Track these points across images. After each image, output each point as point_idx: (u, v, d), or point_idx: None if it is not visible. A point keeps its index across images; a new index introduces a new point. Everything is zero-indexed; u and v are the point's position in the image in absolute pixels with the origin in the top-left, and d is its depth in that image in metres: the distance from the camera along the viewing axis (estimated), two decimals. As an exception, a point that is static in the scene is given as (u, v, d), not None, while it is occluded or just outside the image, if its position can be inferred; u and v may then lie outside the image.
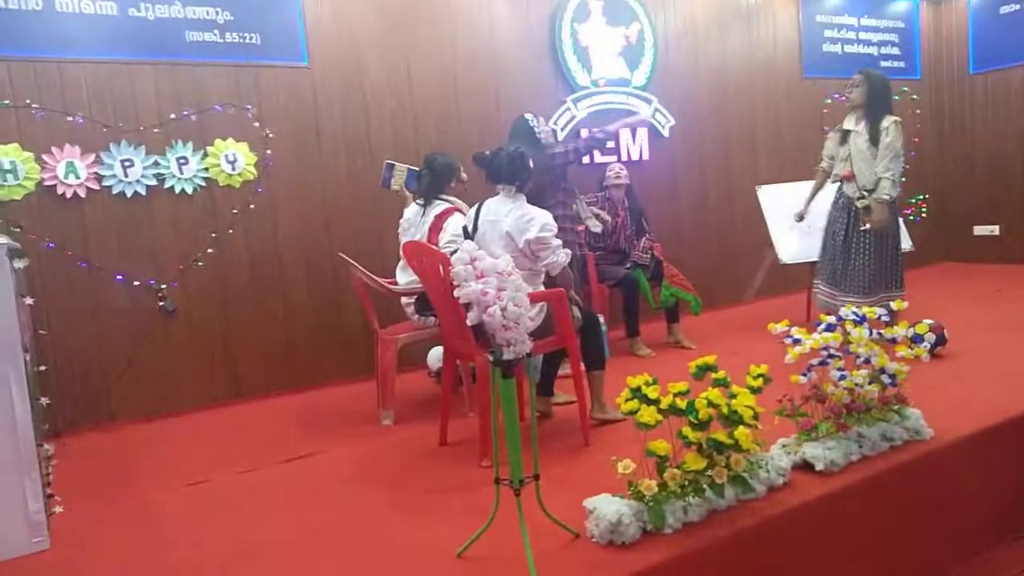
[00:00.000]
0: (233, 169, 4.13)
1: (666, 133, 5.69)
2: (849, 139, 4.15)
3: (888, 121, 4.01)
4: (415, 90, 4.67)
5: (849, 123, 4.19)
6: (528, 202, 3.10)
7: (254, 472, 3.01)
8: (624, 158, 5.45)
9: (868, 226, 4.04)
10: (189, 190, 4.04)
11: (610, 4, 5.39)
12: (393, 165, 3.91)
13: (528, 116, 3.88)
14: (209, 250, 4.13)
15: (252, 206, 4.21)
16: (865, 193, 4.07)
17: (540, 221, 2.94)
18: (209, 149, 4.07)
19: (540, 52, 5.16)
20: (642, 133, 5.57)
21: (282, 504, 2.64)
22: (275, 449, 3.25)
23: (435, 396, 3.75)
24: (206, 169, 4.08)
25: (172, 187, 4.00)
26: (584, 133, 5.32)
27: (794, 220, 4.65)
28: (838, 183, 4.26)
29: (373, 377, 3.85)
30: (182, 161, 4.00)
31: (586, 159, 5.17)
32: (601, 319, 4.05)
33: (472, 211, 3.19)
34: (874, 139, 4.02)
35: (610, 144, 5.18)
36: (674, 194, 5.80)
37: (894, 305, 2.79)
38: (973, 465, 2.67)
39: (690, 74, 5.83)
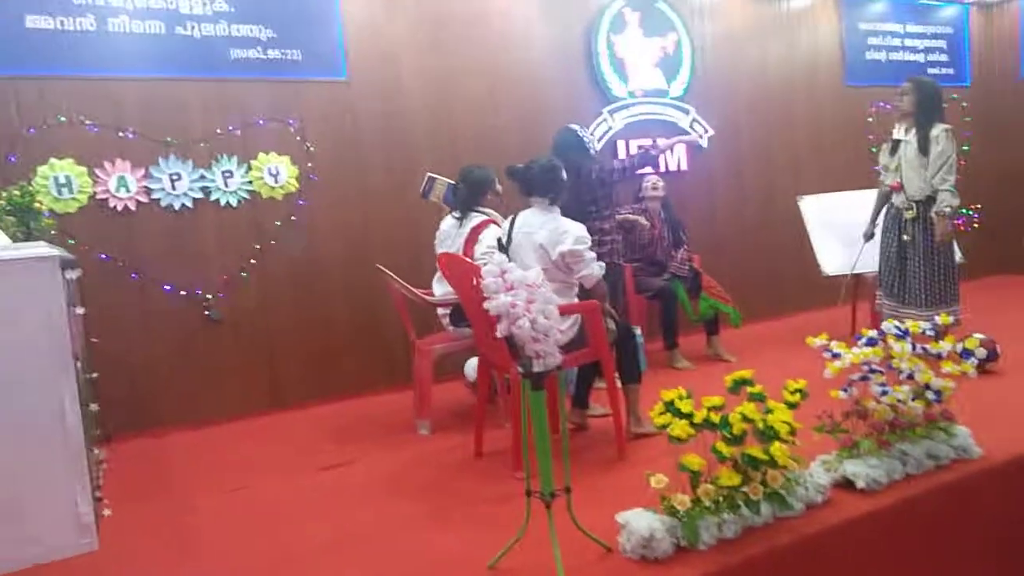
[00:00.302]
0: (276, 182, 4.23)
1: (704, 144, 5.64)
2: (899, 148, 4.05)
3: (938, 129, 3.89)
4: (452, 103, 4.73)
5: (899, 132, 4.09)
6: (579, 214, 3.09)
7: (294, 479, 3.06)
8: (663, 170, 5.42)
9: (907, 238, 3.93)
10: (234, 203, 4.15)
11: (647, 14, 5.38)
12: (435, 179, 3.95)
13: (575, 127, 3.92)
14: (252, 261, 4.22)
15: (293, 218, 4.30)
16: (913, 204, 3.96)
17: (574, 234, 2.94)
18: (253, 163, 4.18)
19: (576, 64, 5.17)
20: (680, 145, 5.53)
21: (318, 511, 2.68)
22: (313, 457, 3.31)
23: (472, 406, 3.76)
24: (250, 182, 4.18)
25: (218, 200, 4.12)
26: (621, 145, 5.32)
27: (849, 236, 4.52)
28: (889, 194, 4.15)
29: (410, 387, 3.89)
30: (227, 174, 4.12)
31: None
32: (637, 331, 4.04)
33: (507, 223, 3.21)
34: (923, 148, 3.90)
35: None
36: (713, 205, 5.74)
37: (939, 319, 2.70)
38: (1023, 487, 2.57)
39: (729, 84, 5.77)
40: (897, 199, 4.05)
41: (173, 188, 4.01)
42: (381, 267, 3.78)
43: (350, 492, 2.86)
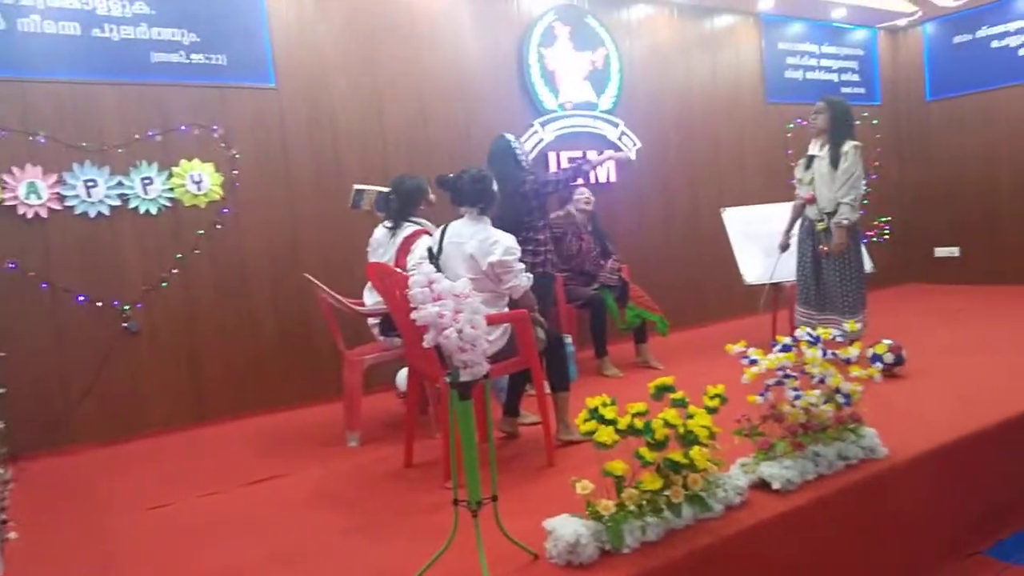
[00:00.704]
0: (199, 190, 4.12)
1: (632, 156, 5.77)
2: (813, 163, 4.26)
3: (848, 146, 4.12)
4: (384, 112, 4.71)
5: (814, 148, 4.31)
6: (513, 225, 3.11)
7: (216, 495, 2.97)
8: (592, 181, 5.52)
9: (825, 249, 4.15)
10: (154, 211, 4.02)
11: (576, 29, 5.49)
12: (363, 190, 3.90)
13: (509, 136, 3.95)
14: (174, 271, 4.09)
15: (218, 227, 4.20)
16: (825, 216, 4.18)
17: (504, 244, 2.97)
18: (174, 170, 4.06)
19: (508, 75, 5.23)
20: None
21: (243, 528, 2.61)
22: (238, 472, 3.22)
23: (403, 417, 3.74)
24: (171, 190, 4.06)
25: (136, 208, 3.98)
26: (552, 156, 5.40)
27: (769, 246, 4.71)
28: (802, 208, 4.36)
29: (340, 398, 3.84)
30: (146, 181, 3.98)
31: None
32: (568, 340, 4.10)
33: (437, 233, 3.21)
34: (835, 163, 4.13)
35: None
36: (641, 216, 5.89)
37: (847, 326, 2.85)
38: (927, 484, 2.73)
39: (656, 98, 5.94)
40: (811, 211, 4.26)
41: (88, 195, 3.85)
42: (310, 276, 3.72)
43: (278, 507, 2.80)
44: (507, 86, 5.23)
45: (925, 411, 3.19)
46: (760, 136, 6.57)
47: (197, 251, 4.14)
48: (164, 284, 4.06)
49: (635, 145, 5.77)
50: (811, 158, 4.30)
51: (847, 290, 4.18)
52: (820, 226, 4.19)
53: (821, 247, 4.20)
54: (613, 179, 5.69)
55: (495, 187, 3.14)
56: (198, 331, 4.17)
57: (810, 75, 6.97)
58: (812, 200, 4.23)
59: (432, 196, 3.72)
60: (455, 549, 2.08)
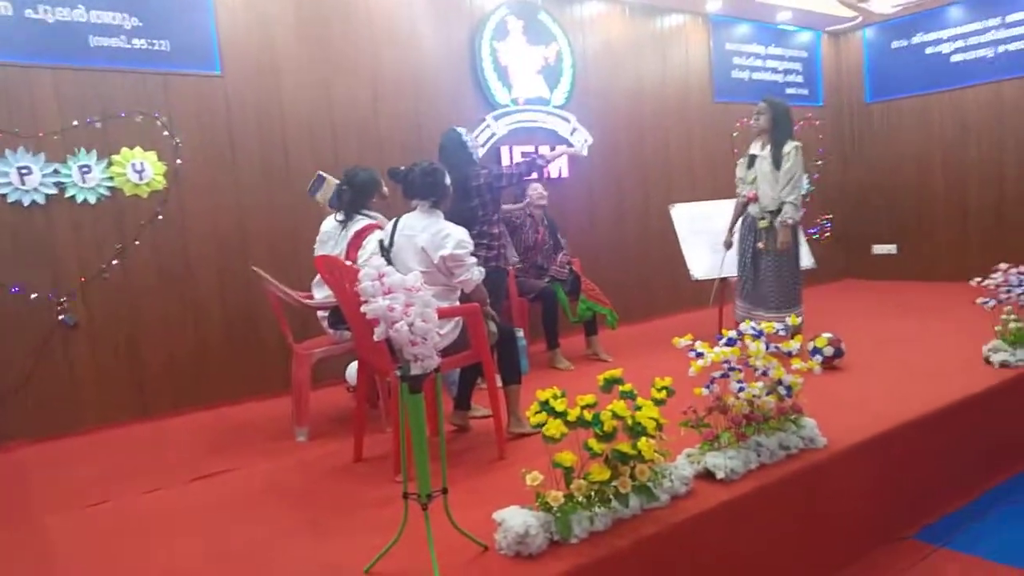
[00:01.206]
0: (140, 179, 4.00)
1: (585, 152, 5.83)
2: (755, 163, 4.38)
3: (790, 147, 4.25)
4: (334, 102, 4.64)
5: (755, 148, 4.43)
6: (466, 218, 3.09)
7: (159, 492, 2.90)
8: (545, 177, 5.54)
9: (761, 246, 4.28)
10: (92, 200, 3.88)
11: (529, 24, 5.51)
12: (325, 178, 3.80)
13: (459, 129, 3.94)
14: (114, 262, 3.96)
15: (161, 217, 4.08)
16: (767, 214, 4.30)
17: (456, 238, 2.96)
18: (114, 158, 3.93)
19: (461, 68, 5.21)
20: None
21: (187, 526, 2.55)
22: (183, 468, 3.15)
23: (353, 412, 3.71)
24: (111, 178, 3.93)
25: (74, 196, 3.83)
26: (504, 150, 5.40)
27: (716, 242, 4.80)
28: (745, 205, 4.47)
29: (288, 393, 3.78)
30: (84, 169, 3.84)
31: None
32: (520, 334, 4.13)
33: (389, 226, 3.19)
34: (777, 163, 4.26)
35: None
36: (592, 211, 5.95)
37: (789, 320, 2.94)
38: (862, 472, 2.84)
39: (608, 95, 6.00)
40: (753, 209, 4.39)
41: (22, 183, 3.70)
42: (257, 269, 3.65)
43: (224, 503, 2.74)
44: (460, 79, 5.21)
45: (862, 402, 3.31)
46: (709, 134, 6.70)
47: (138, 242, 4.02)
48: (104, 275, 3.93)
49: (587, 140, 5.82)
50: (752, 157, 4.42)
51: (783, 286, 4.31)
52: (762, 224, 4.32)
53: (759, 243, 4.33)
54: (566, 175, 5.73)
55: (447, 181, 3.13)
56: (140, 324, 4.05)
57: (756, 76, 7.13)
58: (754, 198, 4.36)
59: (385, 189, 3.68)
60: (405, 542, 2.08)
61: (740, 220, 4.54)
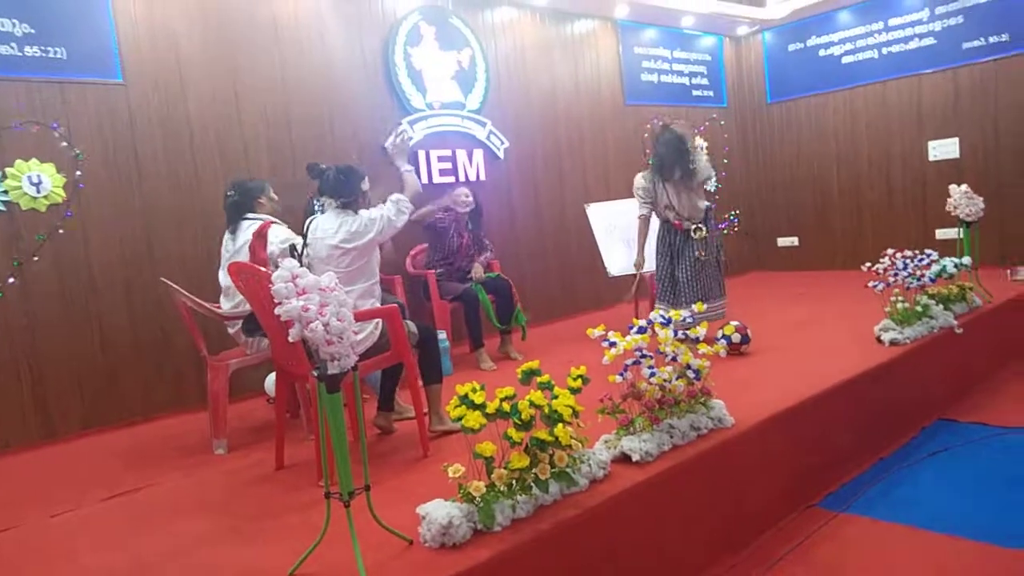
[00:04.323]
0: (38, 192, 3.82)
1: (501, 155, 5.92)
2: (667, 188, 4.39)
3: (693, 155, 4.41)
4: (244, 110, 4.56)
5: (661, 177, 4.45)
6: None
7: (70, 514, 2.79)
8: (462, 179, 5.61)
9: (700, 254, 4.36)
10: (-15, 215, 3.70)
11: (442, 29, 5.56)
12: None
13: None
14: (11, 279, 3.78)
15: (61, 231, 3.91)
16: (699, 224, 4.38)
17: (366, 216, 3.11)
18: (8, 170, 3.75)
19: (375, 74, 5.21)
20: (478, 155, 5.76)
21: (101, 544, 2.47)
22: (94, 488, 3.03)
23: (272, 422, 3.66)
24: (5, 192, 3.74)
25: (-36, 211, 3.64)
26: (422, 154, 5.42)
27: (631, 239, 4.83)
28: (665, 223, 4.50)
29: (204, 407, 3.69)
30: (-24, 183, 3.66)
31: (425, 179, 5.34)
32: (442, 335, 4.16)
33: (304, 229, 3.19)
34: (690, 179, 4.36)
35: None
36: (511, 212, 6.04)
37: (695, 307, 3.09)
38: (768, 446, 3.01)
39: (522, 99, 6.11)
40: (685, 225, 4.41)
41: (-95, 198, 3.49)
42: (167, 281, 3.56)
43: (139, 519, 2.66)
44: (374, 85, 5.21)
45: (766, 383, 3.51)
46: (621, 136, 6.91)
47: (37, 258, 3.84)
48: (0, 294, 3.74)
49: (503, 144, 5.91)
50: (661, 182, 4.43)
51: (719, 281, 4.48)
52: (698, 235, 4.36)
53: (699, 252, 4.36)
54: (483, 177, 5.80)
55: (364, 186, 3.16)
56: (41, 342, 3.87)
57: (664, 79, 7.41)
58: (680, 226, 4.40)
59: (274, 195, 3.68)
60: (330, 542, 2.09)
61: (661, 237, 4.53)
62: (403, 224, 3.24)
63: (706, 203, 4.45)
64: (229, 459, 3.31)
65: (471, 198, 4.86)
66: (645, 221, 4.58)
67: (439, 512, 2.11)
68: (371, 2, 5.19)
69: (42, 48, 3.83)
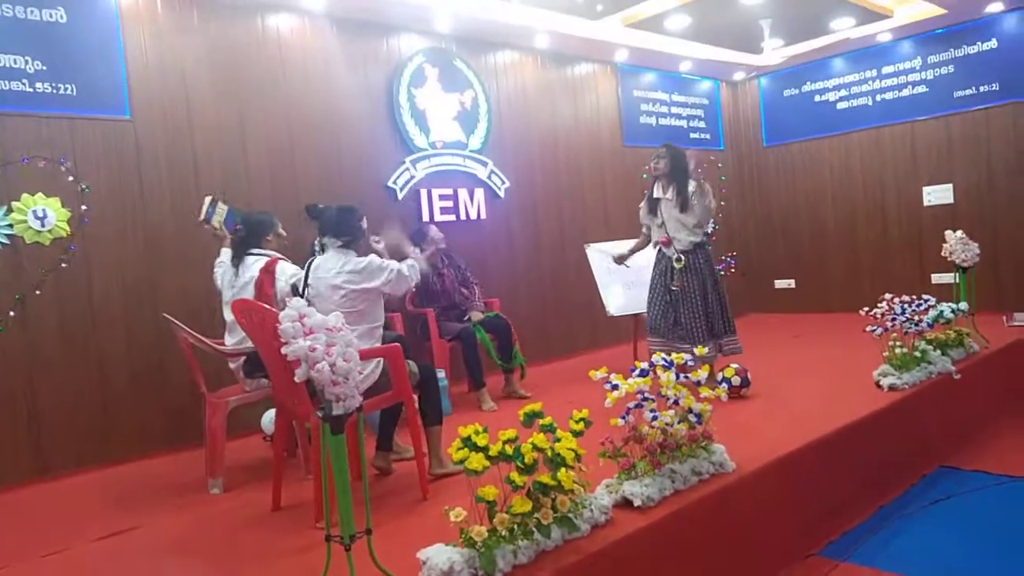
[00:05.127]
0: (42, 226, 3.84)
1: (502, 194, 5.98)
2: (660, 206, 4.47)
3: (694, 185, 4.39)
4: (249, 148, 4.61)
5: (657, 191, 4.50)
6: None
7: (62, 554, 2.74)
8: (463, 217, 5.66)
9: (676, 287, 4.36)
10: (-11, 248, 3.70)
11: (445, 71, 5.66)
12: (217, 201, 3.78)
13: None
14: (11, 313, 3.77)
15: (64, 264, 3.92)
16: (682, 255, 4.37)
17: (373, 263, 3.09)
18: (15, 204, 3.77)
19: (378, 113, 5.29)
20: (479, 194, 5.82)
21: (93, 587, 2.43)
22: (87, 527, 2.99)
23: (270, 461, 3.62)
24: (10, 226, 3.76)
25: (-32, 245, 3.65)
26: (424, 193, 5.47)
27: (615, 263, 4.91)
28: (658, 247, 4.54)
29: (200, 445, 3.66)
30: (-19, 217, 3.68)
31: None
32: (442, 374, 4.15)
33: (301, 273, 3.21)
34: (684, 205, 4.36)
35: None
36: (512, 252, 6.08)
37: (697, 351, 3.10)
38: (769, 492, 2.99)
39: (523, 139, 6.20)
40: (668, 251, 4.45)
41: (-90, 231, 3.50)
42: (169, 316, 3.55)
43: (131, 561, 2.63)
44: (378, 124, 5.28)
45: (767, 428, 3.50)
46: (620, 176, 6.98)
47: (39, 291, 3.84)
48: (0, 328, 3.73)
49: (504, 183, 5.98)
50: (656, 201, 4.49)
51: (719, 315, 4.40)
52: (679, 265, 4.36)
53: (672, 285, 4.37)
54: (484, 216, 5.85)
55: (363, 224, 3.19)
56: (39, 378, 3.84)
57: (663, 121, 7.53)
58: (667, 243, 4.44)
59: (282, 231, 3.69)
60: (328, 587, 2.06)
61: (656, 263, 4.57)
62: (405, 289, 3.25)
63: (697, 239, 4.39)
64: (224, 499, 3.27)
65: (441, 235, 4.83)
66: (644, 237, 4.69)
67: (440, 557, 2.09)
68: (376, 43, 5.30)
69: (53, 84, 3.89)
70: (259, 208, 4.03)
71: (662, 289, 4.48)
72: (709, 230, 4.42)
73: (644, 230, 4.70)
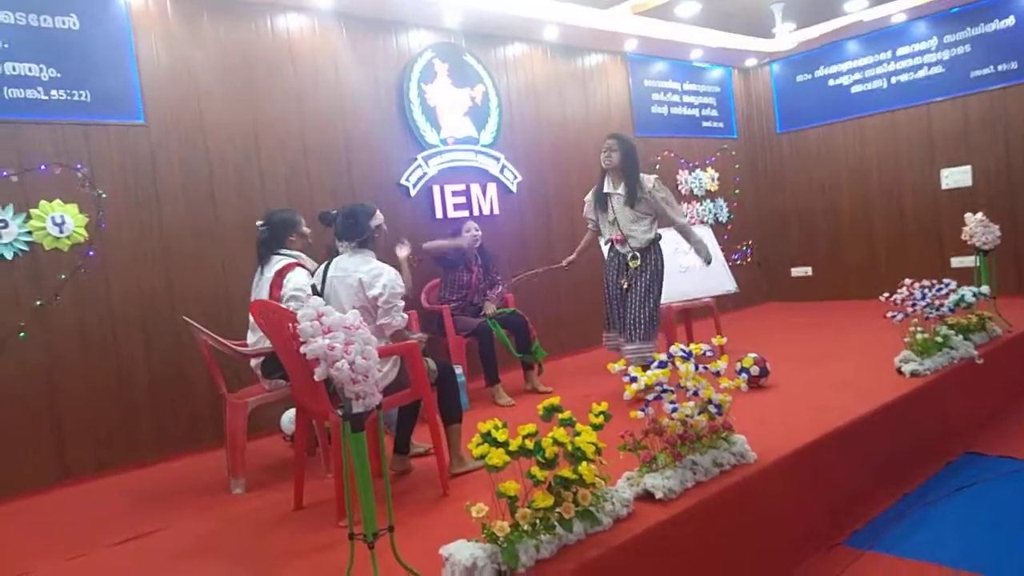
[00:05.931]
0: (60, 232, 3.88)
1: (514, 189, 5.97)
2: (610, 202, 4.26)
3: (650, 181, 4.20)
4: (262, 149, 4.63)
5: (608, 186, 4.28)
6: None
7: (85, 557, 2.77)
8: (476, 212, 5.65)
9: (626, 285, 4.21)
10: (8, 255, 3.74)
11: (455, 66, 5.64)
12: None
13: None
14: (31, 320, 3.81)
15: (82, 270, 3.96)
16: (638, 253, 4.20)
17: (384, 278, 3.02)
18: (33, 211, 3.81)
19: (389, 110, 5.29)
20: (492, 188, 5.81)
21: (119, 588, 2.46)
22: (109, 531, 3.02)
23: (290, 461, 3.64)
24: (29, 233, 3.80)
25: (-12, 252, 3.69)
26: (436, 189, 5.47)
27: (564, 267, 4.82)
28: (609, 244, 4.39)
29: (221, 446, 3.69)
30: (1, 224, 3.71)
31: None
32: (459, 371, 4.15)
33: (320, 269, 3.22)
34: (632, 200, 4.17)
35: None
36: (524, 246, 6.06)
37: (715, 340, 3.07)
38: (792, 482, 2.96)
39: (534, 133, 6.18)
40: (623, 248, 4.26)
41: (-68, 240, 3.54)
42: (188, 319, 3.58)
43: (154, 563, 2.65)
44: (389, 122, 5.28)
45: (787, 417, 3.47)
46: (632, 168, 6.93)
47: (59, 297, 3.88)
48: (22, 335, 3.77)
49: (516, 177, 5.96)
50: (606, 196, 4.30)
51: (648, 317, 4.17)
52: (634, 264, 4.20)
53: (622, 281, 4.23)
54: (497, 211, 5.84)
55: (372, 222, 3.19)
56: (61, 383, 3.88)
57: (674, 110, 7.47)
58: (622, 240, 4.24)
59: (306, 229, 3.70)
60: (352, 584, 2.06)
61: (608, 261, 4.41)
62: (384, 323, 3.06)
63: (652, 236, 4.22)
64: (247, 498, 3.30)
65: (479, 232, 4.88)
66: (591, 234, 4.59)
67: (463, 553, 2.09)
68: (385, 40, 5.29)
69: (67, 91, 3.92)
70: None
71: (616, 288, 4.32)
72: (685, 220, 4.29)
73: (590, 226, 4.53)
